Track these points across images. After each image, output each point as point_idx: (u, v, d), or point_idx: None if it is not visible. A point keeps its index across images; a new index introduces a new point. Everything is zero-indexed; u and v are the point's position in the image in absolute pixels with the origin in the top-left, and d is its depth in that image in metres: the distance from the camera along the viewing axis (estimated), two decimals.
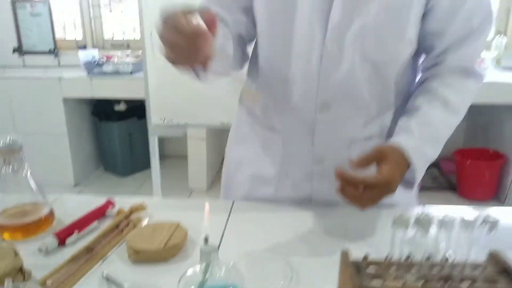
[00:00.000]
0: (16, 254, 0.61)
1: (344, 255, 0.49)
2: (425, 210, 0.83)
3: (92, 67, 2.76)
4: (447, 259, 0.49)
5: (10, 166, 0.71)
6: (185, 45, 0.60)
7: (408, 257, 0.50)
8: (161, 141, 2.10)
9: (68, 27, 3.45)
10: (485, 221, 0.48)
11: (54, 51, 3.30)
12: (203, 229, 0.52)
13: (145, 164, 3.27)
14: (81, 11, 3.32)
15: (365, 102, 0.81)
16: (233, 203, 0.86)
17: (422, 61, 0.84)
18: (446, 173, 3.09)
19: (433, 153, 0.77)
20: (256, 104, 0.80)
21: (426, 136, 0.76)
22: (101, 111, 3.00)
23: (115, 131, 3.00)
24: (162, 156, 2.18)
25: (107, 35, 3.39)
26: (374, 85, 0.80)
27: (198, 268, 0.54)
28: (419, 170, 0.74)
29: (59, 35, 3.38)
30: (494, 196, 2.72)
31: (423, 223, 0.47)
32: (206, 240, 0.53)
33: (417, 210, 0.83)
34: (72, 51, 3.30)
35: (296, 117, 0.82)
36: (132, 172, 3.16)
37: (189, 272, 0.55)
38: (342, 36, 0.74)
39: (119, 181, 3.09)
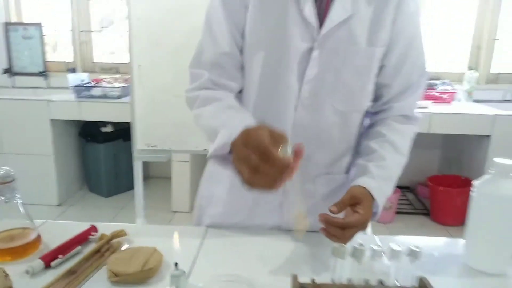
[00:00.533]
0: (6, 275, 0.68)
1: (294, 278, 0.58)
2: (368, 240, 0.92)
3: (81, 91, 2.84)
4: (381, 283, 0.58)
5: (2, 197, 0.78)
6: (272, 176, 0.61)
7: (349, 281, 0.58)
8: (146, 163, 2.16)
9: (59, 50, 3.54)
10: (410, 251, 0.57)
11: (44, 73, 3.37)
12: (178, 254, 0.60)
13: (129, 185, 3.31)
14: (72, 35, 3.42)
15: (332, 144, 0.93)
16: (206, 229, 0.94)
17: (371, 107, 0.96)
18: (422, 198, 3.20)
19: (389, 190, 0.88)
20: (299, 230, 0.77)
21: (383, 177, 0.87)
22: (88, 132, 3.06)
23: (101, 152, 3.06)
24: (147, 177, 2.24)
25: (96, 59, 3.48)
26: (341, 130, 0.92)
27: None
28: (381, 205, 0.85)
29: (49, 57, 3.47)
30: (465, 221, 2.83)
31: (357, 253, 0.56)
32: (176, 265, 0.61)
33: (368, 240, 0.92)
34: (62, 73, 3.38)
35: None
36: (116, 193, 3.21)
37: None
38: (315, 90, 0.87)
39: (102, 202, 3.14)
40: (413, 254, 0.57)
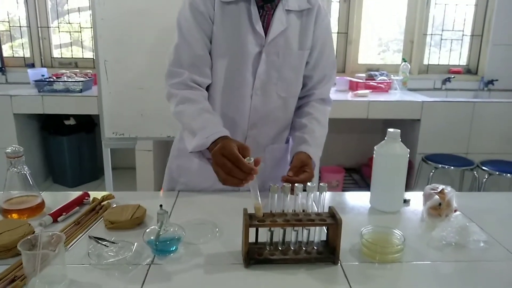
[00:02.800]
0: (29, 224, 0.90)
1: (245, 210, 0.84)
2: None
3: (43, 85, 2.93)
4: (303, 211, 0.86)
5: (15, 168, 0.99)
6: (241, 177, 0.88)
7: (282, 211, 0.85)
8: (111, 154, 2.33)
9: (15, 45, 3.58)
10: (321, 187, 0.84)
11: (1, 69, 3.42)
12: (157, 208, 0.85)
13: (93, 176, 3.46)
14: (29, 31, 3.47)
15: (277, 121, 1.25)
16: (178, 193, 1.19)
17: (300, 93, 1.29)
18: (366, 177, 3.58)
19: (320, 153, 1.22)
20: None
21: (316, 144, 1.21)
22: (51, 125, 3.16)
23: (65, 145, 3.18)
24: (112, 168, 2.41)
25: (55, 54, 3.56)
26: (283, 111, 1.25)
27: (155, 227, 0.86)
28: (317, 164, 1.20)
29: (6, 53, 3.51)
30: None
31: (285, 190, 0.83)
32: (161, 206, 0.85)
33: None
34: (20, 68, 3.44)
35: (234, 132, 1.20)
36: (81, 183, 3.34)
37: (149, 229, 0.87)
38: (264, 82, 1.18)
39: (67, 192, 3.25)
40: (322, 188, 0.85)
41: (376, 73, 3.47)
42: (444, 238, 0.94)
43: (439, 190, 1.07)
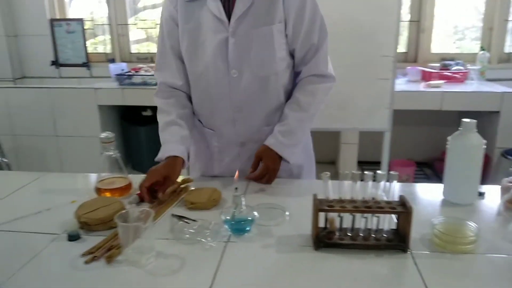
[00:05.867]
0: (120, 201, 1.00)
1: (315, 196, 0.88)
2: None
3: (123, 79, 3.17)
4: (373, 198, 0.87)
5: (109, 152, 1.11)
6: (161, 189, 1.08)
7: (351, 198, 0.88)
8: None
9: (99, 42, 3.88)
10: (390, 175, 0.86)
11: (86, 64, 3.73)
12: (231, 192, 0.91)
13: None
14: (110, 28, 3.75)
15: (265, 103, 1.25)
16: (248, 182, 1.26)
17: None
18: (439, 172, 3.43)
19: (291, 140, 1.22)
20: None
21: (283, 132, 1.21)
22: (130, 116, 3.41)
23: (142, 134, 3.40)
24: None
25: (133, 49, 3.81)
26: (265, 90, 1.22)
27: (231, 208, 0.93)
28: (283, 152, 1.21)
29: (90, 49, 3.82)
30: None
31: (354, 177, 0.86)
32: (236, 189, 0.91)
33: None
34: (102, 63, 3.73)
35: (222, 118, 1.26)
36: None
37: (225, 210, 0.94)
38: (238, 66, 1.18)
39: None
40: (392, 177, 0.86)
41: (451, 62, 3.30)
42: None
43: None
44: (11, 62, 3.71)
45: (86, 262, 0.81)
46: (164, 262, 0.82)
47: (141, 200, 1.09)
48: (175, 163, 1.13)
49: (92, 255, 0.83)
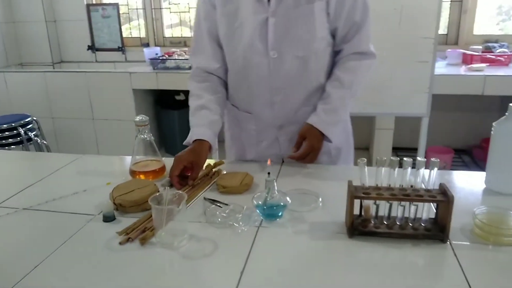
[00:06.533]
0: (154, 184, 1.01)
1: (350, 182, 0.85)
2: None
3: (157, 63, 3.20)
4: (411, 186, 0.84)
5: (143, 135, 1.12)
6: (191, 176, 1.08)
7: (388, 185, 0.85)
8: None
9: (133, 27, 3.92)
10: (433, 162, 0.82)
11: (121, 48, 3.79)
12: (263, 176, 0.90)
13: None
14: (144, 13, 3.78)
15: (304, 84, 1.22)
16: (282, 161, 1.24)
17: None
18: (478, 160, 3.30)
19: (334, 118, 1.21)
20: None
21: (326, 110, 1.19)
22: (164, 100, 3.45)
23: (175, 118, 3.44)
24: None
25: (166, 34, 3.83)
26: (307, 72, 1.20)
27: (263, 193, 0.92)
28: (327, 131, 1.19)
29: (125, 34, 3.87)
30: None
31: (392, 164, 0.82)
32: (268, 174, 0.90)
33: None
34: (137, 48, 3.78)
35: (260, 101, 1.25)
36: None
37: (257, 195, 0.93)
38: (279, 45, 1.16)
39: None
40: (433, 164, 0.82)
41: (495, 44, 3.13)
42: None
43: None
44: (50, 47, 3.82)
45: (121, 243, 0.83)
46: (196, 245, 0.83)
47: None
48: (201, 148, 1.13)
49: (126, 236, 0.84)
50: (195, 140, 1.14)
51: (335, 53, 1.25)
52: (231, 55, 1.23)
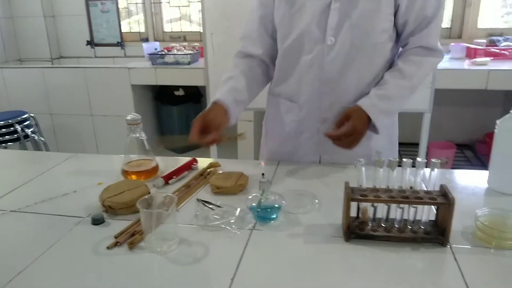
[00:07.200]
0: (145, 185, 0.98)
1: (346, 184, 0.82)
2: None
3: (156, 58, 3.16)
4: (411, 187, 0.81)
5: (135, 134, 1.09)
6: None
7: (387, 187, 0.82)
8: None
9: (132, 21, 3.88)
10: (433, 163, 0.78)
11: (120, 43, 3.75)
12: (258, 177, 0.86)
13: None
14: (143, 7, 3.74)
15: (356, 77, 1.14)
16: (278, 162, 1.20)
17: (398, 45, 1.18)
18: (480, 155, 3.25)
19: (386, 105, 1.10)
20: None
21: (379, 95, 1.09)
22: (163, 96, 3.42)
23: (175, 114, 3.41)
24: None
25: (166, 28, 3.79)
26: (361, 62, 1.13)
27: (257, 194, 0.89)
28: (376, 117, 1.08)
29: (124, 29, 3.83)
30: None
31: (392, 165, 0.79)
32: (263, 175, 0.87)
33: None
34: (136, 43, 3.74)
35: (308, 91, 1.18)
36: (189, 150, 3.58)
37: (251, 196, 0.90)
38: (337, 32, 1.09)
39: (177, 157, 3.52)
40: (433, 165, 0.78)
41: (500, 38, 3.07)
42: None
43: None
44: (49, 42, 3.79)
45: (108, 248, 0.80)
46: (186, 249, 0.80)
47: (166, 182, 1.07)
48: (216, 109, 1.11)
49: (114, 241, 0.81)
50: (213, 102, 1.13)
51: (398, 52, 1.19)
52: (285, 39, 1.17)
